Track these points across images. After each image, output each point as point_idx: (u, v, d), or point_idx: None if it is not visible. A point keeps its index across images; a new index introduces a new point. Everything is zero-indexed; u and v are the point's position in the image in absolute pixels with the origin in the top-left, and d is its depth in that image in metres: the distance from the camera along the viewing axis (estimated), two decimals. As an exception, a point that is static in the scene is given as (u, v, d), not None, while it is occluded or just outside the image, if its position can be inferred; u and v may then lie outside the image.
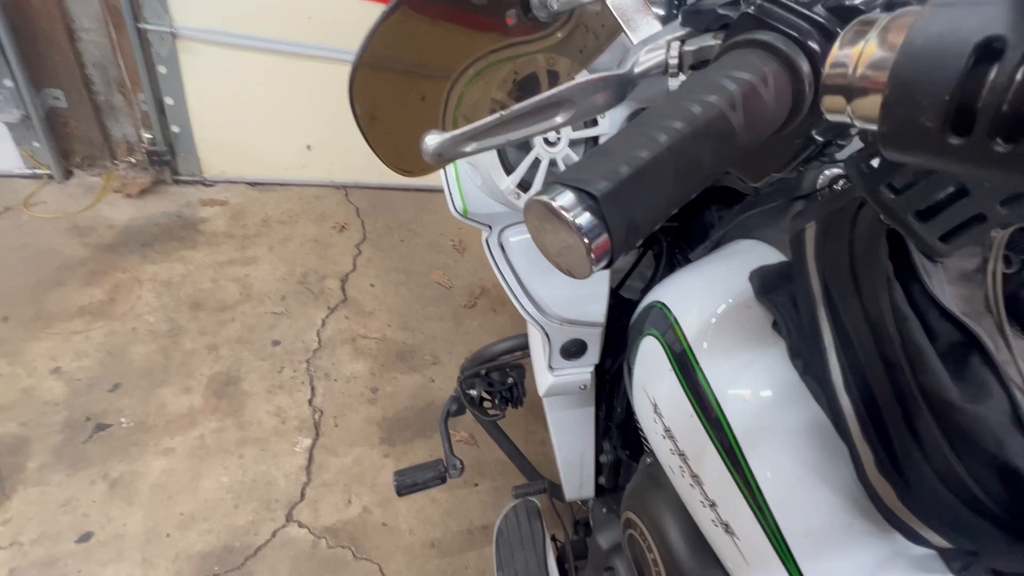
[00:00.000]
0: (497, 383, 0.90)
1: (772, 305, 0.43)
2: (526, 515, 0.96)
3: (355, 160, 2.02)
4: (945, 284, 0.33)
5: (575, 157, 0.53)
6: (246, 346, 1.50)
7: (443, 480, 0.96)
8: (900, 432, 0.33)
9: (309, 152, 2.02)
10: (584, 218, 0.18)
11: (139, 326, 1.48)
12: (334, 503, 1.25)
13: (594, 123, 0.53)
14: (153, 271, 1.62)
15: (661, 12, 0.32)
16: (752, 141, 0.21)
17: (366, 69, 0.33)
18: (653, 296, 0.53)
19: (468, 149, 0.26)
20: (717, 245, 0.60)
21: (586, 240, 0.18)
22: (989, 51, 0.16)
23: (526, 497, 0.98)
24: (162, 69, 1.71)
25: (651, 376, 0.50)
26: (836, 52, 0.20)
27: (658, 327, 0.50)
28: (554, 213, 0.18)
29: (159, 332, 1.48)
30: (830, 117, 0.21)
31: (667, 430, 0.49)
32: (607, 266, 0.19)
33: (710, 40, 0.26)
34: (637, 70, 0.27)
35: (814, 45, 0.21)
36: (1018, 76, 0.15)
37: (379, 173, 1.80)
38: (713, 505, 0.45)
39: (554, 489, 0.97)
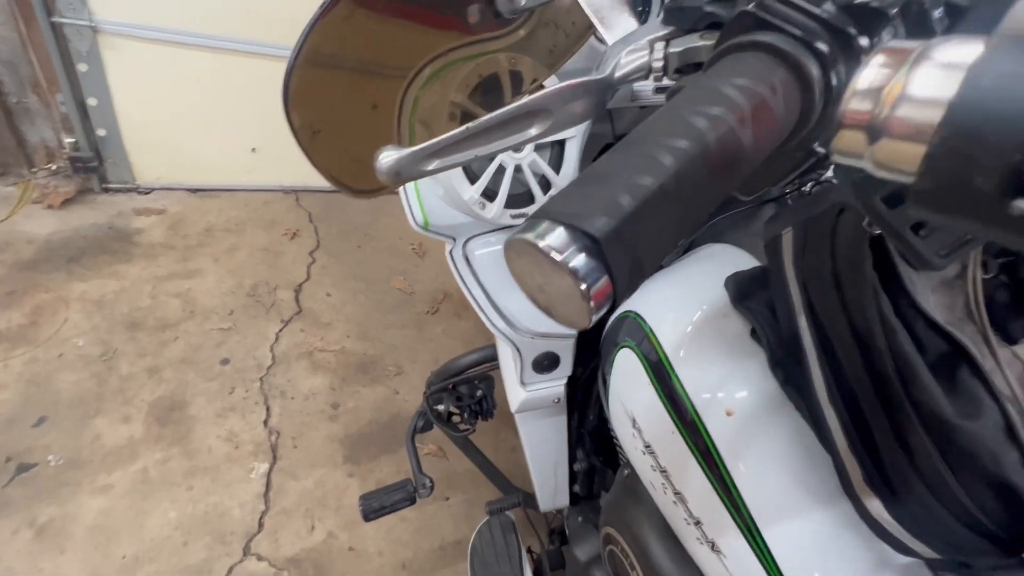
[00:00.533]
0: (466, 396, 0.87)
1: (749, 313, 0.42)
2: (500, 530, 0.93)
3: (305, 163, 1.92)
4: (928, 293, 0.32)
5: (542, 163, 0.50)
6: (191, 367, 1.40)
7: (412, 501, 0.92)
8: (890, 446, 0.32)
9: (254, 155, 1.90)
10: (580, 260, 0.15)
11: (67, 351, 1.34)
12: (296, 530, 1.18)
13: (560, 126, 0.50)
14: (81, 289, 1.48)
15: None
16: (758, 159, 0.18)
17: (306, 67, 0.28)
18: (626, 305, 0.51)
19: (431, 167, 0.23)
20: (687, 250, 0.59)
21: (583, 286, 0.15)
22: None
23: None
24: (82, 67, 1.57)
25: (629, 389, 0.49)
26: (858, 83, 0.17)
27: (633, 337, 0.49)
28: (543, 255, 0.15)
29: (90, 357, 1.35)
30: (838, 159, 0.18)
31: (647, 446, 0.47)
32: (609, 312, 0.16)
33: (698, 41, 0.24)
34: (618, 74, 0.24)
35: (823, 47, 0.19)
36: None
37: (331, 176, 1.72)
38: (698, 523, 0.44)
39: (528, 499, 0.95)
